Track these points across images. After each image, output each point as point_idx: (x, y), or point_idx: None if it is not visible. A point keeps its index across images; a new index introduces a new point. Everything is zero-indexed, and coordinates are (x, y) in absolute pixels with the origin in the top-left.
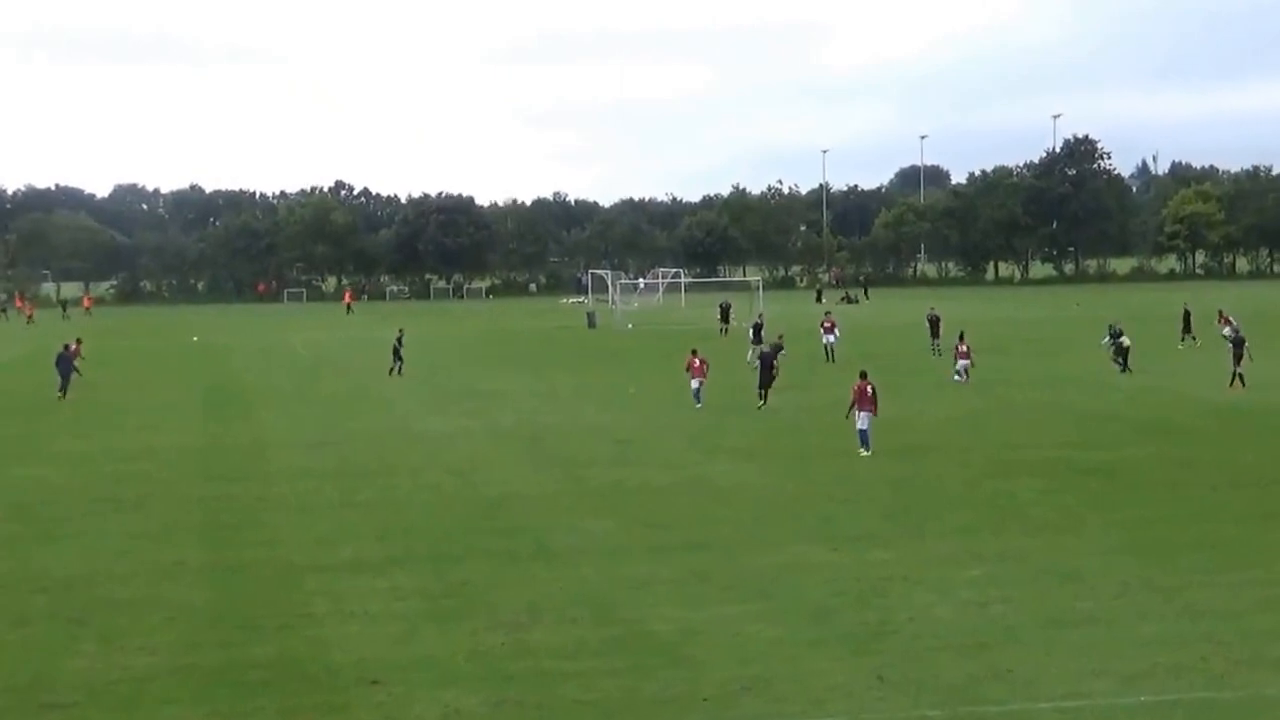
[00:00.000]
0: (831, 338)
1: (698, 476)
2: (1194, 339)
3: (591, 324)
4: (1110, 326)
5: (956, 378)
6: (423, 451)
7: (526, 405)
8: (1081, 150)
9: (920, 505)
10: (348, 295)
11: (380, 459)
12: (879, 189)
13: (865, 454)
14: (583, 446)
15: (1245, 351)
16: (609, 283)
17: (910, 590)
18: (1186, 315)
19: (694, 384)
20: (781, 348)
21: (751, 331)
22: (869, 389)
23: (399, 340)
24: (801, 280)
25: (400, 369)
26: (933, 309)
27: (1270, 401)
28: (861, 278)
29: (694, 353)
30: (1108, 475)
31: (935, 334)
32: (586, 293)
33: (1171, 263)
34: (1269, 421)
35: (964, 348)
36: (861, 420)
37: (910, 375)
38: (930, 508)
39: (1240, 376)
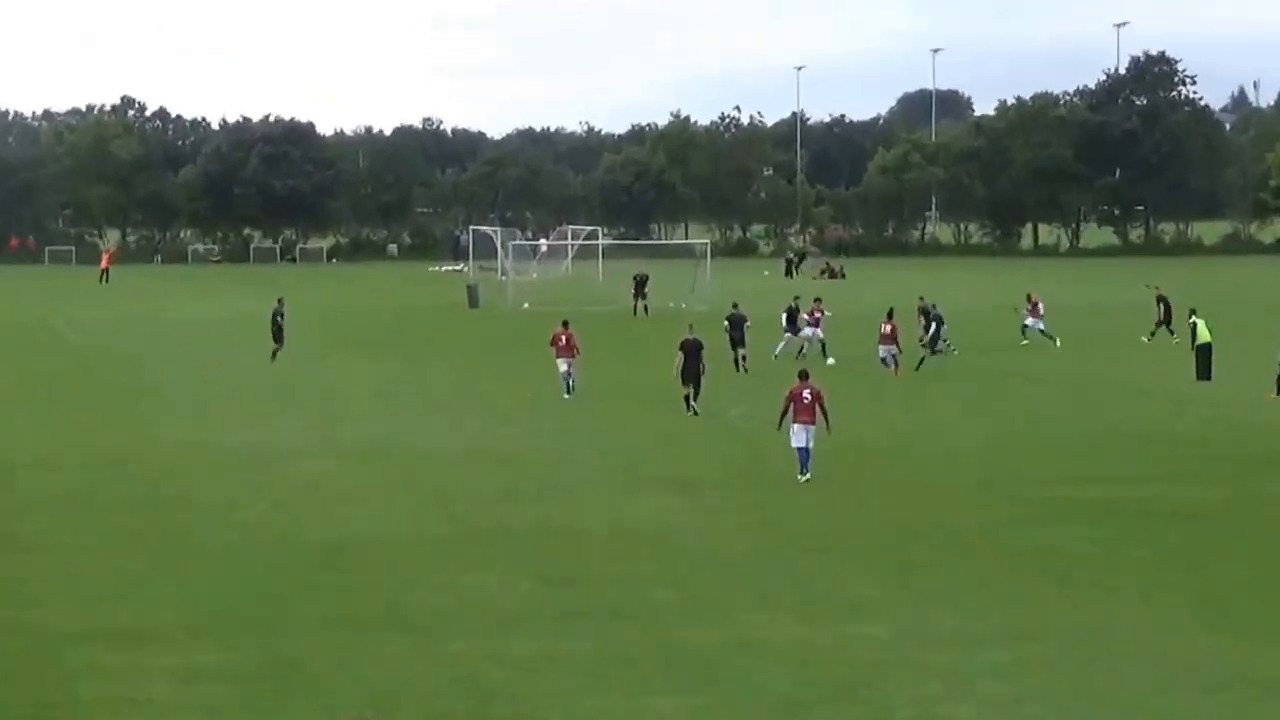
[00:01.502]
0: (816, 331)
1: (617, 515)
2: None
3: (473, 301)
4: (1190, 317)
5: (884, 366)
6: (237, 476)
7: (381, 412)
8: (1155, 73)
9: (923, 560)
10: (105, 258)
11: (178, 486)
12: (875, 120)
13: (803, 479)
14: (458, 471)
15: None
16: (498, 244)
17: (910, 680)
18: None
19: (561, 366)
20: (745, 318)
21: (784, 318)
22: (807, 393)
23: (279, 314)
24: (767, 245)
25: (278, 353)
26: (924, 300)
27: None
28: (842, 242)
29: (564, 325)
30: (1184, 522)
31: (927, 327)
32: (467, 257)
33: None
34: None
35: (888, 328)
36: (798, 435)
37: (905, 380)
38: (937, 564)
39: None
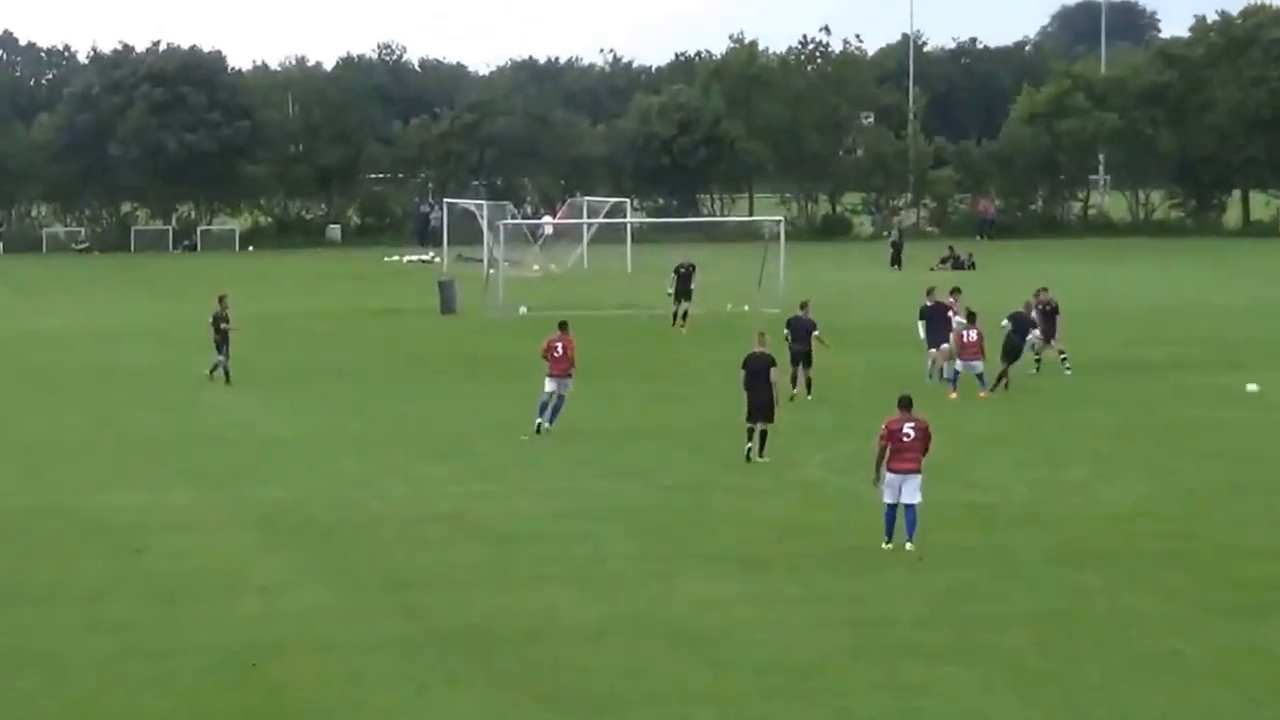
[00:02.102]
0: (978, 364)
1: (646, 606)
2: None
3: (447, 304)
4: None
5: (945, 381)
6: (101, 556)
7: (311, 464)
8: None
9: (1089, 672)
10: None
11: (7, 568)
12: (1020, 46)
13: (896, 546)
14: (418, 545)
15: None
16: (483, 224)
17: None
18: None
19: (549, 385)
20: (813, 324)
21: (920, 324)
22: (910, 430)
23: (222, 317)
24: (868, 223)
25: (224, 367)
26: (1042, 296)
27: None
28: (987, 220)
29: (562, 329)
30: None
31: (1023, 331)
32: (439, 243)
33: None
34: None
35: (974, 334)
36: (892, 488)
37: (1050, 407)
38: (1110, 674)
39: None
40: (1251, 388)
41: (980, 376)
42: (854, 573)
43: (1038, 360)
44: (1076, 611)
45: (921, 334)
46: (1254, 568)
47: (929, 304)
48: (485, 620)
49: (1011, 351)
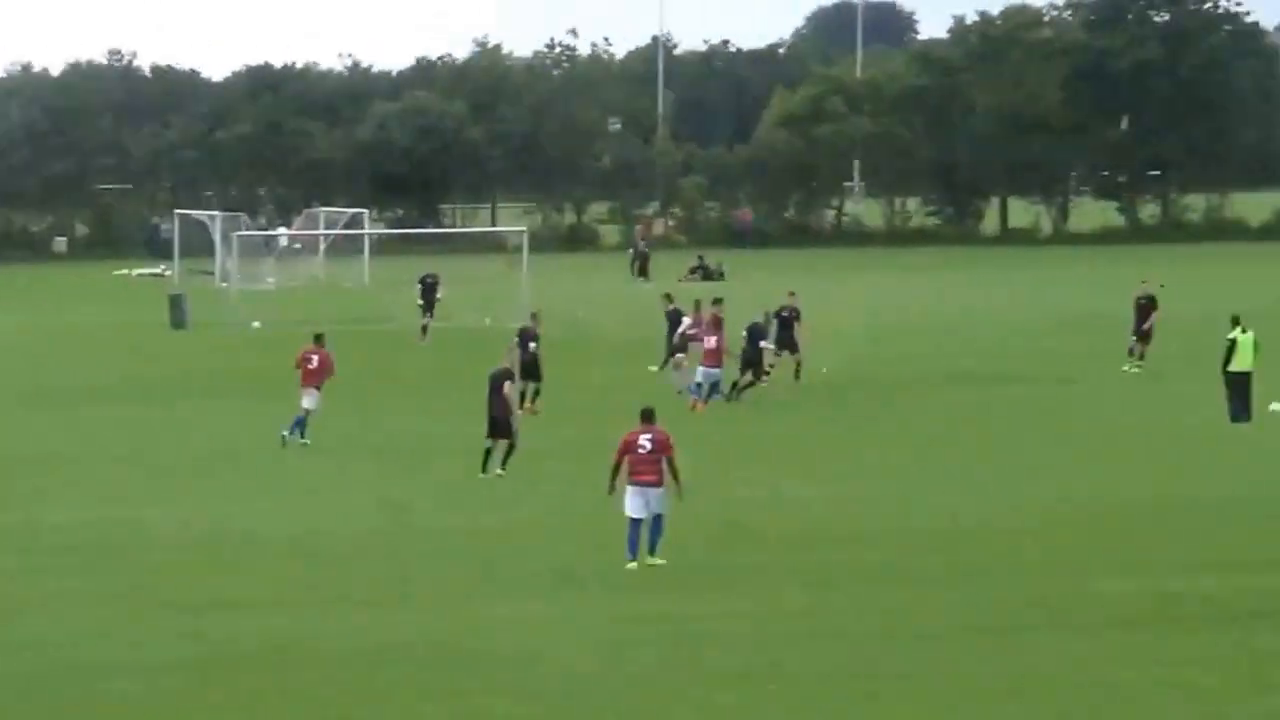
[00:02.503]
0: (716, 372)
1: (448, 625)
2: None
3: (178, 319)
4: (1235, 328)
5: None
6: None
7: (62, 485)
8: None
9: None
10: None
11: None
12: (774, 49)
13: (645, 562)
14: (219, 565)
15: None
16: (215, 235)
17: None
18: None
19: (306, 401)
20: (536, 335)
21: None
22: (647, 441)
23: None
24: (615, 233)
25: None
26: (787, 302)
27: None
28: (746, 228)
29: (317, 341)
30: None
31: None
32: (171, 254)
33: None
34: None
35: (713, 341)
36: (638, 503)
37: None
38: (975, 691)
39: None
40: (1275, 407)
41: (715, 385)
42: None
43: (796, 372)
44: (890, 631)
45: (773, 343)
46: (1060, 584)
47: (760, 319)
48: (265, 642)
49: (747, 363)
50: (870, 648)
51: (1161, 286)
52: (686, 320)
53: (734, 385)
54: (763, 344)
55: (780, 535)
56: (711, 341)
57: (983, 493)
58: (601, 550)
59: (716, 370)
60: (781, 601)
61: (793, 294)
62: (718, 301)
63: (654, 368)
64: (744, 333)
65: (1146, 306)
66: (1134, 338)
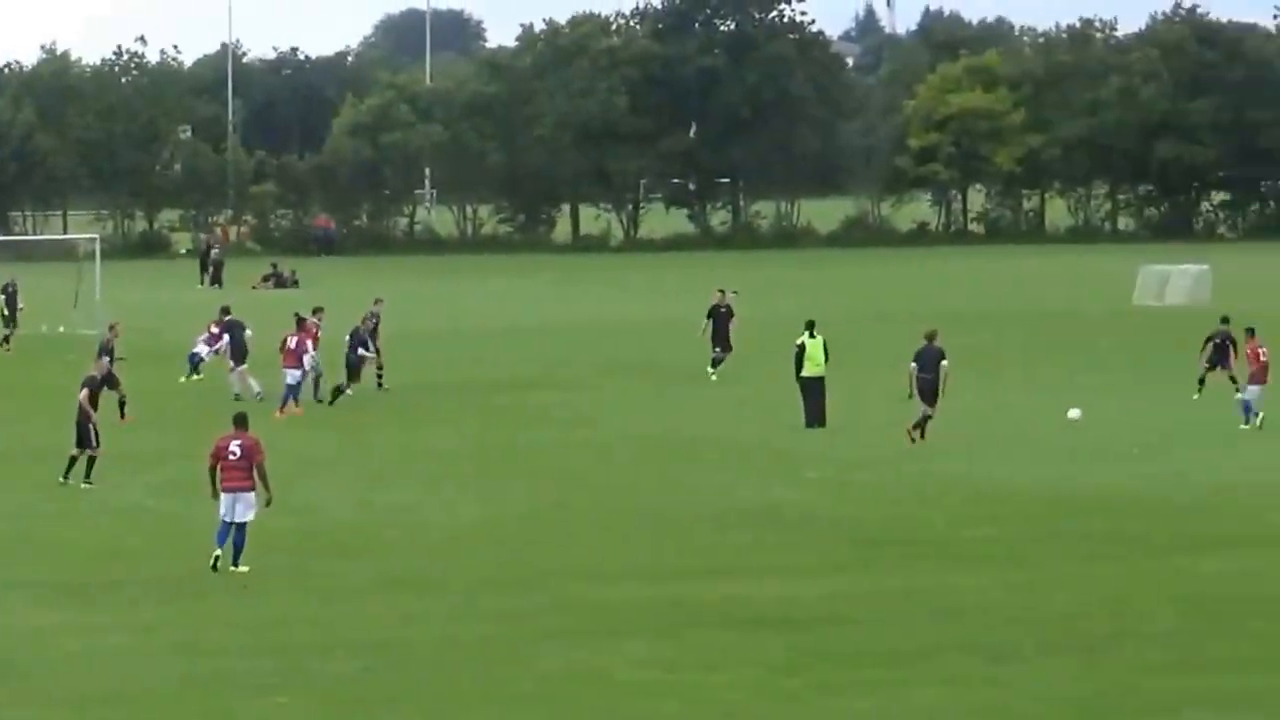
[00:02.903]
0: (295, 374)
1: None
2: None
3: None
4: (806, 333)
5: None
6: None
7: None
8: None
9: (426, 715)
10: None
11: None
12: (343, 57)
13: (234, 569)
14: None
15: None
16: None
17: None
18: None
19: None
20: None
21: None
22: (236, 448)
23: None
24: (187, 240)
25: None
26: (373, 309)
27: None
28: (329, 235)
29: None
30: (783, 630)
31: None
32: None
33: (924, 208)
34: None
35: (294, 341)
36: (228, 507)
37: (377, 428)
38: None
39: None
40: (1074, 414)
41: (295, 388)
42: (181, 600)
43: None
44: (407, 639)
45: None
46: (586, 589)
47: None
48: None
49: (350, 369)
50: (381, 655)
51: (735, 293)
52: (248, 333)
53: (335, 389)
54: (362, 351)
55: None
56: (292, 343)
57: (498, 499)
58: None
59: (297, 372)
60: (300, 608)
61: (379, 300)
62: (318, 311)
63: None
64: (346, 338)
65: (725, 315)
66: (717, 347)
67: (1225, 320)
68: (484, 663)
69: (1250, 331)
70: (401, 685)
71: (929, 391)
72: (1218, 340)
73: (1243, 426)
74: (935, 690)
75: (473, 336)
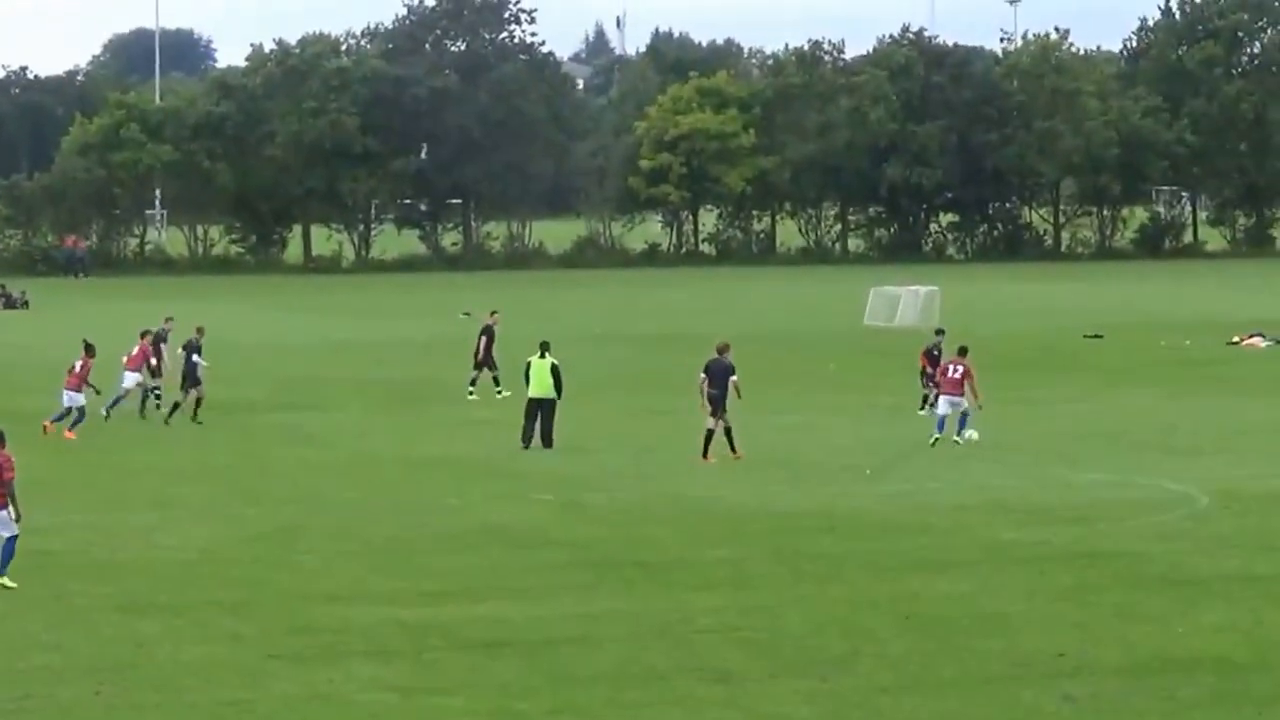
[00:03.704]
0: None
1: None
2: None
3: None
4: (541, 353)
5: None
6: None
7: None
8: (477, 5)
9: None
10: None
11: None
12: (73, 76)
13: None
14: None
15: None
16: None
17: None
18: None
19: None
20: None
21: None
22: None
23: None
24: None
25: None
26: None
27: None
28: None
29: None
30: (504, 653)
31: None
32: None
33: (655, 229)
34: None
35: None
36: None
37: (107, 450)
38: None
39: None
40: (971, 435)
41: (80, 410)
42: None
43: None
44: (139, 662)
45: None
46: (320, 612)
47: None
48: None
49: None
50: (113, 679)
51: (466, 314)
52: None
53: (174, 405)
54: (196, 359)
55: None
56: (75, 366)
57: (233, 520)
58: None
59: (80, 395)
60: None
61: (169, 318)
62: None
63: None
64: (180, 351)
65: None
66: (486, 367)
67: (940, 332)
68: (217, 685)
69: (961, 351)
70: (135, 708)
71: (716, 404)
72: (933, 351)
73: (936, 437)
74: (668, 712)
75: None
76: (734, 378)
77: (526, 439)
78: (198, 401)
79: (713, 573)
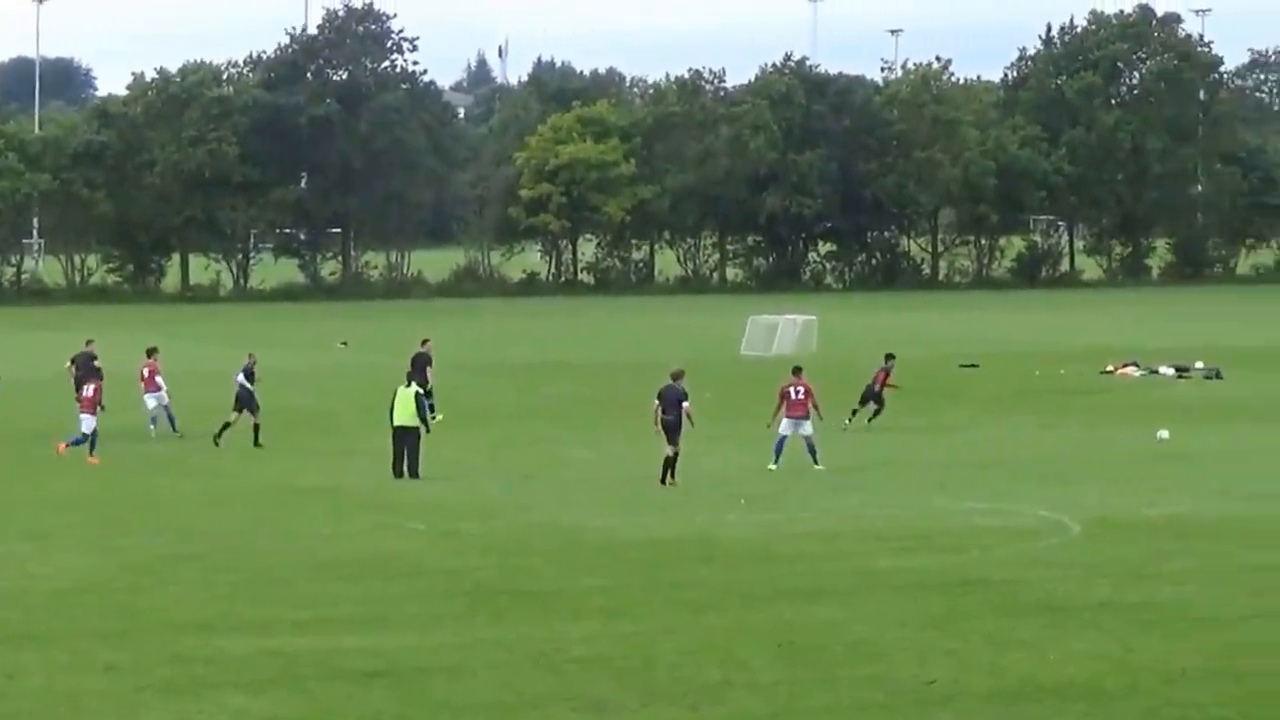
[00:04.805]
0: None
1: None
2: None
3: None
4: (412, 382)
5: None
6: None
7: None
8: (359, 33)
9: None
10: None
11: None
12: None
13: None
14: None
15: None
16: None
17: None
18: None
19: None
20: None
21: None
22: None
23: None
24: None
25: None
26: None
27: None
28: None
29: None
30: (387, 684)
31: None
32: None
33: (534, 259)
34: None
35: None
36: None
37: None
38: None
39: None
40: (1163, 434)
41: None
42: None
43: None
44: (10, 693)
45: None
46: (193, 642)
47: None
48: None
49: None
50: None
51: (344, 344)
52: None
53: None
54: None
55: None
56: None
57: (108, 550)
58: None
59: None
60: None
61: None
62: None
63: None
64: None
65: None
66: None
67: (890, 357)
68: (89, 716)
69: (796, 370)
70: None
71: (671, 430)
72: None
73: (770, 467)
74: None
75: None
76: (686, 404)
77: (397, 469)
78: (255, 427)
79: (587, 602)
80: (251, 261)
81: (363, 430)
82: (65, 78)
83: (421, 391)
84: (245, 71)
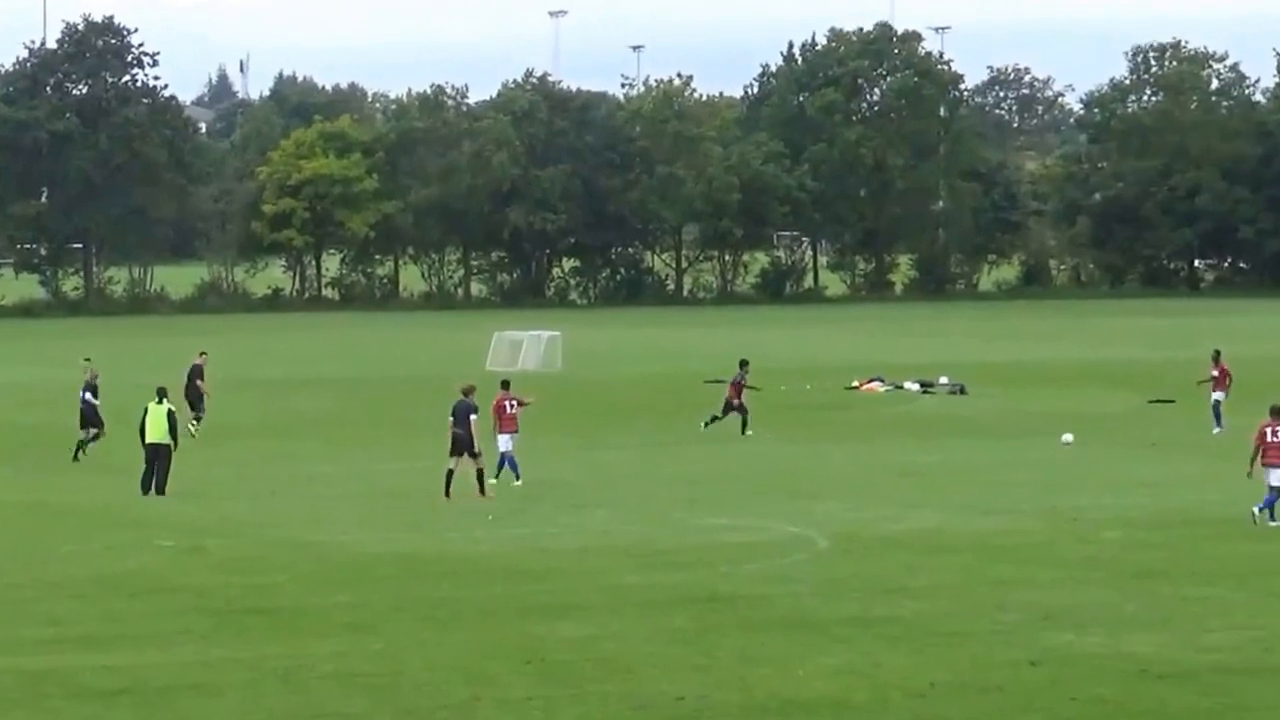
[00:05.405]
0: None
1: None
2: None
3: None
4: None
5: None
6: None
7: None
8: (100, 47)
9: None
10: None
11: None
12: None
13: None
14: None
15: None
16: None
17: None
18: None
19: None
20: None
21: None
22: None
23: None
24: None
25: None
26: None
27: None
28: None
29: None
30: (132, 703)
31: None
32: None
33: (278, 274)
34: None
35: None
36: None
37: None
38: None
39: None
40: (1067, 438)
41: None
42: None
43: None
44: None
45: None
46: None
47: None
48: None
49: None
50: None
51: (87, 360)
52: None
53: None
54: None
55: None
56: None
57: None
58: None
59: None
60: None
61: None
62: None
63: None
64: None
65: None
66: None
67: (744, 363)
68: None
69: (504, 384)
70: None
71: (462, 444)
72: (740, 381)
73: (514, 484)
74: None
75: None
76: (474, 417)
77: (146, 486)
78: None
79: (334, 618)
80: None
81: (112, 447)
82: None
83: (173, 409)
84: None
